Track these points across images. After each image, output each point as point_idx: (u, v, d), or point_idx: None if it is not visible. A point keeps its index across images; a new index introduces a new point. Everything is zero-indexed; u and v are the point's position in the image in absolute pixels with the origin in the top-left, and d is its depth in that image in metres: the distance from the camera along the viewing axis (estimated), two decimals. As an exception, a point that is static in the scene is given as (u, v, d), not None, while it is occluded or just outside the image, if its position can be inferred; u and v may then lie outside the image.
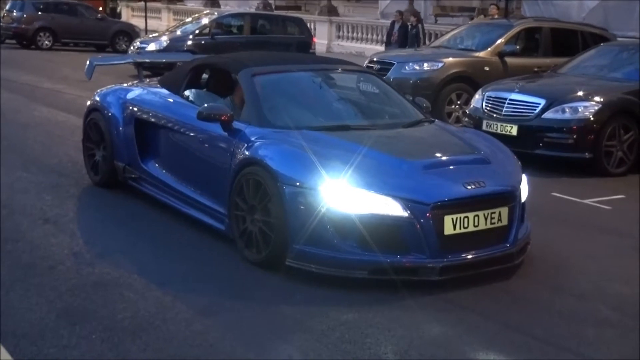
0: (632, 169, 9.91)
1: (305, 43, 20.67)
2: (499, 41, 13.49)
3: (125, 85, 8.34)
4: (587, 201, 8.51)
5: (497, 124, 10.18)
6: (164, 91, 7.55)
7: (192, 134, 6.81)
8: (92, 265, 5.79)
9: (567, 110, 9.84)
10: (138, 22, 31.90)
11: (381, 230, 5.39)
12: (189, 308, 5.10)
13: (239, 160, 6.06)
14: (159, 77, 8.18)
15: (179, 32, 20.01)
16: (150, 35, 22.89)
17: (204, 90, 7.49)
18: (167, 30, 21.30)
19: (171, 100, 7.32)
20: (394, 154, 5.85)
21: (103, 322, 4.79)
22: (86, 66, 8.76)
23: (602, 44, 12.78)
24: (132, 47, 20.52)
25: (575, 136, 9.70)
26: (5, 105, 13.71)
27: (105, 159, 7.80)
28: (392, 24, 20.29)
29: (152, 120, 7.32)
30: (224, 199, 6.24)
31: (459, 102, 13.00)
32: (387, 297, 5.35)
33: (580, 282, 5.91)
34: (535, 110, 9.99)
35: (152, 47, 19.10)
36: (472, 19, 24.54)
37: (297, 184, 5.55)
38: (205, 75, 7.76)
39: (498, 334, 4.88)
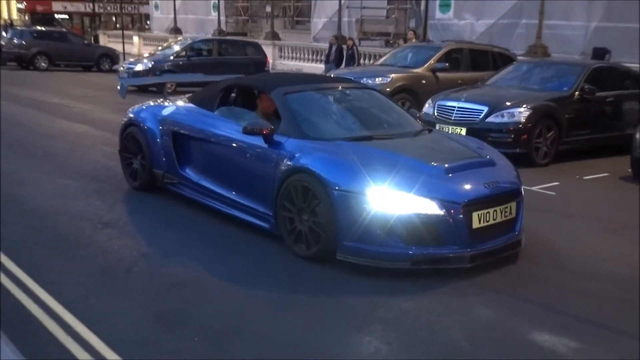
0: (553, 161, 9.68)
1: (261, 62, 19.87)
2: (431, 60, 13.10)
3: (155, 103, 7.44)
4: (534, 188, 8.15)
5: (448, 127, 9.74)
6: (197, 107, 6.74)
7: (232, 146, 6.03)
8: (164, 267, 5.00)
9: (505, 115, 9.49)
10: (114, 46, 30.22)
11: (421, 227, 4.82)
12: (266, 304, 4.39)
13: (284, 168, 5.36)
14: (188, 95, 7.32)
15: (160, 55, 18.83)
16: (132, 59, 21.59)
17: (232, 106, 6.73)
18: (151, 53, 20.05)
19: (206, 116, 6.52)
20: (422, 160, 5.26)
21: (198, 324, 4.05)
22: (119, 87, 7.80)
23: (514, 62, 12.50)
24: (120, 68, 19.21)
25: (512, 135, 9.38)
26: (24, 117, 12.48)
27: (144, 167, 6.96)
28: (330, 46, 19.70)
29: (191, 134, 6.50)
30: (267, 201, 5.54)
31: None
32: (429, 285, 4.78)
33: (577, 262, 5.42)
34: (480, 115, 9.60)
35: (139, 67, 17.88)
36: (387, 42, 24.18)
37: (345, 188, 4.90)
38: (232, 94, 6.96)
39: (541, 315, 4.35)
